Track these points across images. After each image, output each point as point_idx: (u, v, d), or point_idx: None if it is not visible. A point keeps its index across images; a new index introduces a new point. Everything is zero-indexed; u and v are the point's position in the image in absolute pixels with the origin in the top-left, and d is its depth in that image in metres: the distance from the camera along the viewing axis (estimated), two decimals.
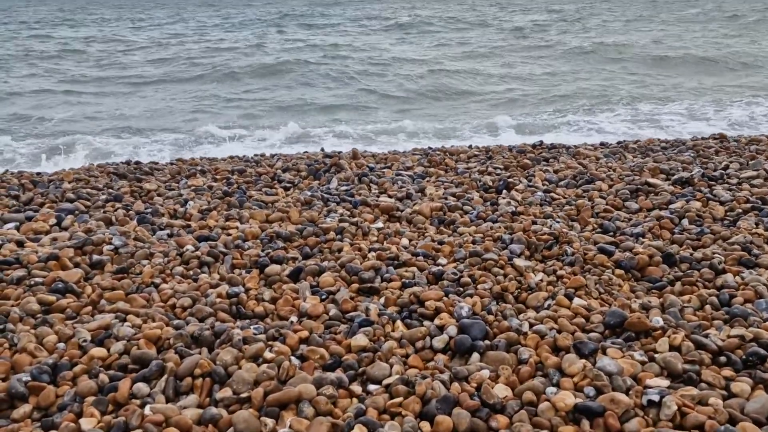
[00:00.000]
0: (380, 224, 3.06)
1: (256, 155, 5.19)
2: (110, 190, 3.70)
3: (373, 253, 2.62)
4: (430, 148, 5.32)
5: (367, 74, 11.51)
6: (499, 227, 2.96)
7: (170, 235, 2.95)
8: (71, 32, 19.90)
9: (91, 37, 19.02)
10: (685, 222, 2.98)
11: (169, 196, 3.63)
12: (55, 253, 2.54)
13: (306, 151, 5.26)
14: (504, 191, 3.62)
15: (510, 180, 3.72)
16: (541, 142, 4.90)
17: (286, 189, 3.80)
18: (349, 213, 3.23)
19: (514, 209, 3.22)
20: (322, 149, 5.35)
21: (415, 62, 13.06)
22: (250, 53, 14.54)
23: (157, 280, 2.37)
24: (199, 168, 4.28)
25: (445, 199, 3.48)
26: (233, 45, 16.35)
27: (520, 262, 2.49)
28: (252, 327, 1.99)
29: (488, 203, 3.39)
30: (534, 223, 2.99)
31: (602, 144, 5.14)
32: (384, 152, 5.06)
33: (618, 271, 2.45)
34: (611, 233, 2.89)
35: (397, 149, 5.49)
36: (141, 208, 3.35)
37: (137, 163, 4.86)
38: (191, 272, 2.46)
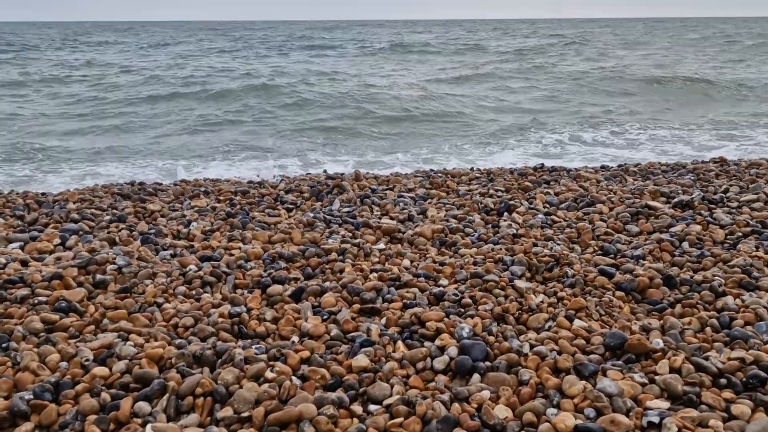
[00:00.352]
0: (382, 245, 3.07)
1: (258, 177, 5.24)
2: (114, 211, 3.73)
3: (375, 274, 2.63)
4: (431, 170, 5.36)
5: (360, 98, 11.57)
6: (500, 249, 2.98)
7: (173, 256, 2.97)
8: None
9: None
10: (685, 245, 3.00)
11: (172, 217, 3.66)
12: (58, 272, 2.56)
13: (309, 173, 5.30)
14: (505, 213, 3.64)
15: (511, 202, 3.74)
16: (542, 164, 4.94)
17: (289, 210, 3.82)
18: (351, 234, 3.25)
19: (515, 231, 3.24)
20: (325, 171, 5.39)
21: (411, 86, 13.17)
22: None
23: (160, 300, 2.39)
24: (202, 189, 4.32)
25: (447, 221, 3.50)
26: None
27: (520, 283, 2.50)
28: (253, 347, 2.00)
29: (489, 225, 3.41)
30: (535, 245, 3.00)
31: (603, 167, 5.18)
32: (386, 174, 5.10)
33: (618, 293, 2.46)
34: (612, 255, 2.90)
35: (398, 171, 5.54)
36: (144, 228, 3.38)
37: (141, 184, 4.90)
38: (194, 292, 2.48)
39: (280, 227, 3.36)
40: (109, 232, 3.32)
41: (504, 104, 11.72)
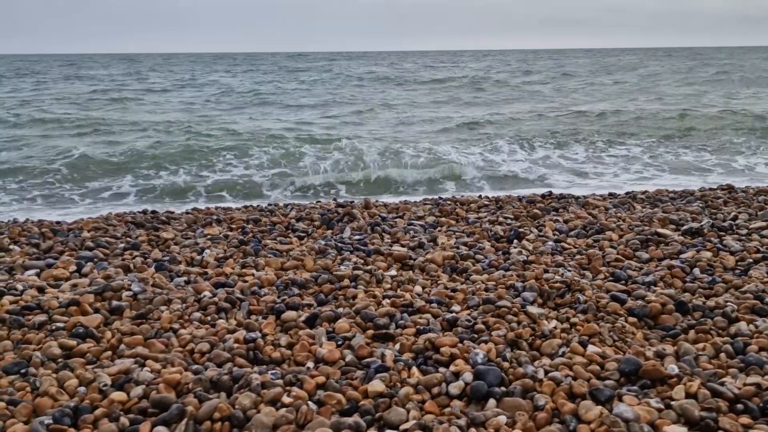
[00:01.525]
0: (393, 272, 3.10)
1: (270, 205, 5.29)
2: (128, 239, 3.78)
3: (387, 300, 2.65)
4: (440, 197, 5.40)
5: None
6: (512, 275, 2.99)
7: (187, 282, 3.00)
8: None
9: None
10: (696, 271, 3.00)
11: (185, 245, 3.70)
12: (75, 298, 2.59)
13: (318, 201, 5.35)
14: (515, 241, 3.66)
15: (521, 230, 3.77)
16: (551, 192, 4.98)
17: (300, 238, 3.86)
18: (362, 261, 3.28)
19: (525, 258, 3.26)
20: (335, 199, 5.44)
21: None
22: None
23: (176, 326, 2.41)
24: (214, 218, 4.37)
25: (457, 248, 3.53)
26: None
27: (533, 309, 2.51)
28: (269, 372, 2.01)
29: (500, 252, 3.43)
30: (546, 271, 3.02)
31: (611, 194, 5.21)
32: (396, 202, 5.14)
33: (631, 319, 2.47)
34: (623, 282, 2.92)
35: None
36: (158, 256, 3.42)
37: (153, 212, 4.96)
38: (209, 318, 2.50)
39: (293, 254, 3.39)
40: (123, 260, 3.36)
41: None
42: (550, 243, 3.53)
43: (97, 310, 2.57)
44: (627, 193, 5.28)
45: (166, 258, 3.37)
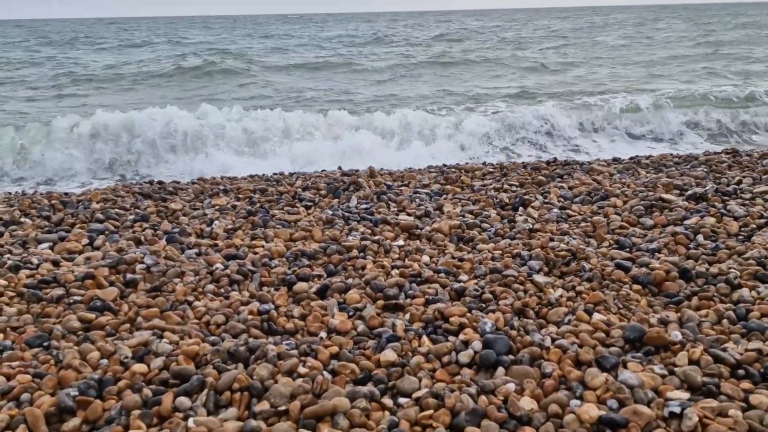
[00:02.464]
0: (401, 242, 3.14)
1: (275, 174, 5.32)
2: (137, 210, 3.82)
3: (396, 271, 2.70)
4: (445, 165, 5.41)
5: None
6: (518, 244, 3.04)
7: (199, 254, 3.05)
8: None
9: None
10: (700, 238, 3.04)
11: (194, 216, 3.74)
12: (90, 272, 2.65)
13: (324, 170, 5.37)
14: (520, 208, 3.69)
15: (526, 197, 3.79)
16: (555, 158, 4.98)
17: (307, 208, 3.89)
18: (370, 231, 3.32)
19: (531, 226, 3.30)
20: (340, 167, 5.45)
21: None
22: None
23: (190, 298, 2.47)
24: (221, 187, 4.40)
25: (463, 216, 3.57)
26: None
27: (539, 278, 2.56)
28: (284, 343, 2.07)
29: (505, 221, 3.46)
30: (551, 239, 3.06)
31: (615, 160, 5.21)
32: (400, 170, 5.16)
33: (635, 287, 2.52)
34: (627, 249, 2.96)
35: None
36: (168, 228, 3.46)
37: (160, 182, 4.99)
38: (222, 290, 2.56)
39: (301, 225, 3.43)
40: (134, 232, 3.41)
41: None
42: (555, 210, 3.56)
43: (112, 284, 2.62)
44: (632, 158, 5.29)
45: (177, 230, 3.41)
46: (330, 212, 3.67)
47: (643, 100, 10.37)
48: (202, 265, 2.82)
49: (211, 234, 3.36)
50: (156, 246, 3.10)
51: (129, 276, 2.69)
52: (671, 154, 5.68)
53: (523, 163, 5.26)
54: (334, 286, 2.51)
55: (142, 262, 2.82)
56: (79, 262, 2.91)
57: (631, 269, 2.64)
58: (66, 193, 4.54)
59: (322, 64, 16.80)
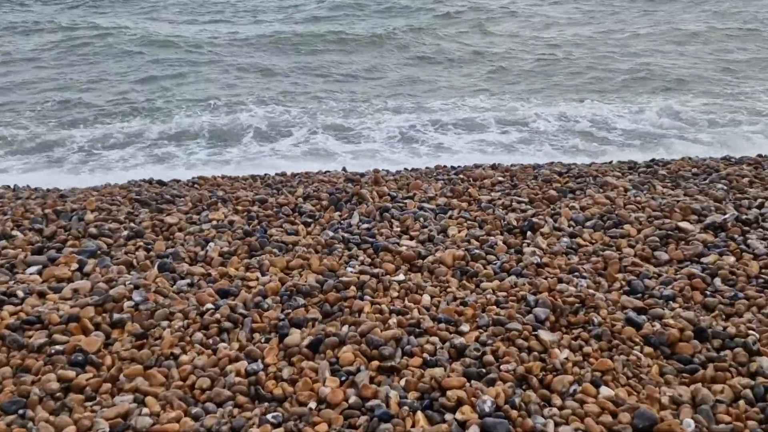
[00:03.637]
0: (401, 276, 3.00)
1: (277, 174, 5.17)
2: (132, 225, 3.70)
3: (395, 318, 2.57)
4: (452, 167, 5.23)
5: None
6: (524, 284, 2.89)
7: (191, 285, 2.94)
8: None
9: None
10: (717, 281, 2.88)
11: (190, 232, 3.62)
12: (75, 313, 2.54)
13: (327, 171, 5.20)
14: (529, 233, 3.53)
15: (535, 220, 3.62)
16: (569, 169, 4.78)
17: (307, 224, 3.75)
18: (370, 261, 3.18)
19: (539, 260, 3.14)
20: (344, 169, 5.29)
21: None
22: None
23: (177, 350, 2.36)
24: (220, 195, 4.26)
25: (468, 242, 3.42)
26: None
27: (545, 335, 2.42)
28: (270, 415, 1.96)
29: (512, 250, 3.30)
30: (560, 280, 2.91)
31: (631, 168, 5.00)
32: (406, 174, 4.99)
33: (647, 349, 2.38)
34: (640, 294, 2.81)
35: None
36: (162, 248, 3.34)
37: (160, 182, 4.87)
38: (210, 341, 2.44)
39: (299, 250, 3.30)
40: (126, 252, 3.30)
41: None
42: (565, 240, 3.39)
43: (98, 326, 2.52)
44: (649, 164, 5.07)
45: (171, 251, 3.30)
46: (330, 234, 3.53)
47: None
48: (192, 304, 2.70)
49: (206, 258, 3.24)
50: (147, 274, 2.99)
51: (116, 316, 2.58)
52: (689, 159, 5.46)
53: (533, 168, 5.06)
54: (327, 341, 2.39)
55: (131, 299, 2.72)
56: (66, 294, 2.80)
57: (643, 327, 2.49)
58: (62, 195, 4.43)
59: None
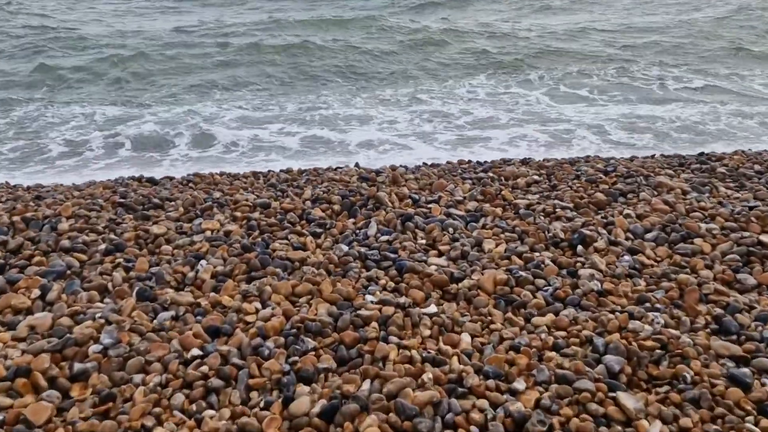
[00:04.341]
0: (433, 308, 2.45)
1: (282, 171, 4.61)
2: (112, 236, 3.16)
3: (429, 371, 2.02)
4: (479, 163, 4.66)
5: None
6: (586, 320, 2.33)
7: (175, 319, 2.40)
8: None
9: None
10: None
11: (179, 245, 3.08)
12: (25, 366, 2.01)
13: (339, 168, 4.64)
14: (580, 247, 2.97)
15: (586, 232, 3.05)
16: (614, 167, 4.19)
17: (316, 235, 3.20)
18: (393, 285, 2.63)
19: (599, 286, 2.58)
20: (357, 165, 4.72)
21: None
22: None
23: (150, 421, 1.82)
24: (216, 198, 3.71)
25: (509, 259, 2.86)
26: None
27: (627, 400, 1.87)
28: None
29: (564, 272, 2.74)
30: (630, 315, 2.35)
31: (681, 163, 4.41)
32: (425, 168, 4.42)
33: (764, 421, 1.82)
34: (734, 336, 2.24)
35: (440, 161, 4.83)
36: (145, 267, 2.80)
37: (150, 180, 4.33)
38: (194, 406, 1.90)
39: (307, 270, 2.75)
40: (101, 272, 2.76)
41: None
42: (627, 258, 2.82)
43: (53, 381, 1.99)
44: (702, 160, 4.48)
45: (155, 270, 2.76)
46: (344, 248, 2.98)
47: None
48: (175, 349, 2.16)
49: (195, 280, 2.70)
50: (123, 304, 2.45)
51: (78, 366, 2.05)
52: (743, 152, 4.87)
53: (571, 163, 4.48)
54: (345, 409, 1.84)
55: (98, 341, 2.18)
56: (21, 333, 2.27)
57: (752, 387, 1.93)
58: (38, 197, 3.90)
59: None
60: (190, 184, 4.25)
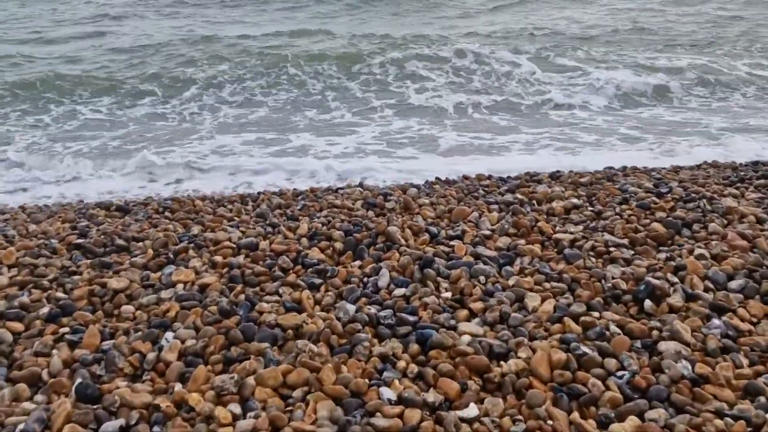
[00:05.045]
0: (473, 409, 1.82)
1: (275, 193, 3.98)
2: (60, 294, 2.54)
3: None
4: (502, 180, 4.02)
5: None
6: (685, 431, 1.70)
7: (124, 430, 1.77)
8: None
9: None
10: None
11: (143, 305, 2.46)
12: None
13: (340, 189, 4.00)
14: (648, 302, 2.33)
15: (654, 282, 2.41)
16: (670, 187, 3.53)
17: (315, 287, 2.57)
18: (415, 368, 2.00)
19: (689, 370, 1.94)
20: (361, 185, 4.08)
21: None
22: None
23: None
24: (195, 232, 3.10)
25: (561, 322, 2.22)
26: None
27: None
28: None
29: (638, 344, 2.09)
30: (747, 422, 1.71)
31: (741, 178, 3.76)
32: (440, 188, 3.78)
33: None
34: None
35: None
36: (94, 342, 2.18)
37: (120, 208, 3.71)
38: None
39: (302, 345, 2.11)
40: (37, 353, 2.14)
41: None
42: (717, 324, 2.17)
43: None
44: (756, 170, 3.84)
45: (107, 346, 2.14)
46: (350, 309, 2.34)
47: None
48: None
49: (157, 364, 2.07)
50: (53, 410, 1.82)
51: None
52: None
53: (611, 178, 3.84)
54: None
55: None
56: None
57: None
58: None
59: None
60: (167, 213, 3.62)
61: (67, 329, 2.29)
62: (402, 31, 10.85)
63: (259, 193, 3.99)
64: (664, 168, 4.42)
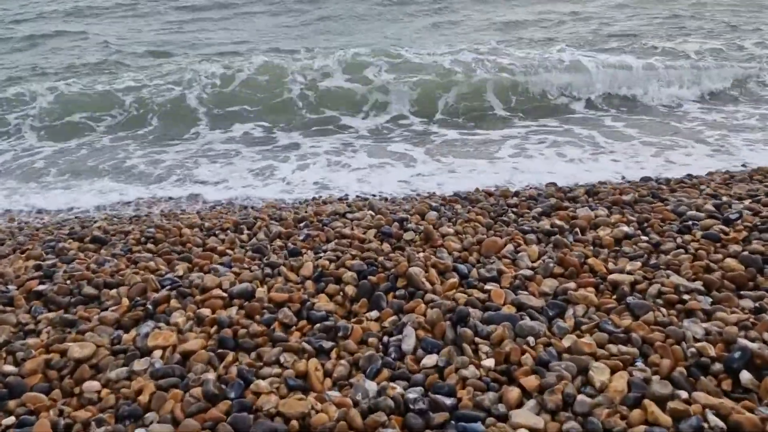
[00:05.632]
0: None
1: (274, 220, 3.48)
2: (8, 367, 2.05)
3: None
4: (532, 199, 3.52)
5: None
6: None
7: None
8: None
9: None
10: None
11: (110, 379, 1.97)
12: None
13: (348, 212, 3.49)
14: (746, 373, 1.84)
15: (750, 345, 1.91)
16: (740, 215, 3.02)
17: (323, 352, 2.08)
18: None
19: None
20: (371, 207, 3.57)
21: None
22: None
23: None
24: (179, 273, 2.61)
25: (640, 407, 1.73)
26: None
27: None
28: None
29: None
30: None
31: None
32: (462, 209, 3.28)
33: None
34: None
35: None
36: None
37: (96, 240, 3.22)
38: None
39: None
40: None
41: None
42: None
43: None
44: None
45: None
46: (369, 389, 1.85)
47: None
48: None
49: None
50: None
51: None
52: None
53: (657, 195, 3.33)
54: None
55: None
56: None
57: None
58: None
59: None
60: (149, 245, 3.13)
61: (11, 419, 1.81)
62: None
63: (255, 219, 3.49)
64: (711, 178, 3.93)
